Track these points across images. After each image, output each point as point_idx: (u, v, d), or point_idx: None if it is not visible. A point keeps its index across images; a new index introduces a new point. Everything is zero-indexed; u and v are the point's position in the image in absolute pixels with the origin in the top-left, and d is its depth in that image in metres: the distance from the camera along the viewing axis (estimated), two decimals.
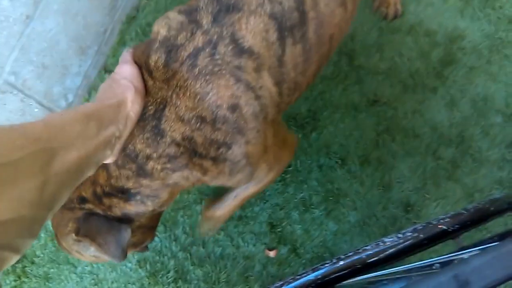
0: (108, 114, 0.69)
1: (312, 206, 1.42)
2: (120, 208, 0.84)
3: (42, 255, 1.47)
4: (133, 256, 1.44)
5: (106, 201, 0.83)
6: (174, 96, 0.78)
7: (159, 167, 0.80)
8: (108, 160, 0.75)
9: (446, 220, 0.75)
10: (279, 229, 1.42)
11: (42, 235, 1.47)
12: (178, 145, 0.79)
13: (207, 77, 0.77)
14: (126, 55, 0.83)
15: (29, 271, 1.47)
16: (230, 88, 0.78)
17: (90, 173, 0.65)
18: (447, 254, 0.79)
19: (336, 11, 0.88)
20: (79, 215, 0.83)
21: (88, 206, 0.84)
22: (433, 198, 1.41)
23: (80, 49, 1.43)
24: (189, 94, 0.77)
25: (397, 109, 1.47)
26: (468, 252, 0.76)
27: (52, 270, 1.46)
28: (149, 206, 0.85)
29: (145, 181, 0.82)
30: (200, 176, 0.84)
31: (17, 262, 1.46)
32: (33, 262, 1.47)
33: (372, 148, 1.44)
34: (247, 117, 0.80)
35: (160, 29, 0.82)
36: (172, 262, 1.42)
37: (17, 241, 0.49)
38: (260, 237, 1.42)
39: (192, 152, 0.80)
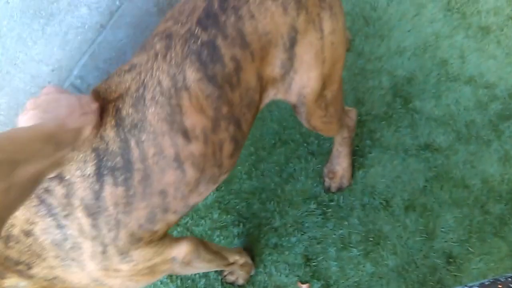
0: (67, 137, 0.74)
1: (351, 245, 1.40)
2: None
3: None
4: None
5: None
6: None
7: None
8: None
9: None
10: (314, 263, 1.40)
11: None
12: None
13: None
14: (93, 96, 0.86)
15: None
16: (29, 210, 0.78)
17: (37, 188, 0.73)
18: None
19: (168, 172, 0.85)
20: None
21: None
22: (477, 252, 1.36)
23: None
24: None
25: (448, 157, 1.44)
26: None
27: None
28: None
29: None
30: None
31: None
32: None
33: (418, 194, 1.42)
34: (44, 245, 0.80)
35: None
36: (203, 281, 1.42)
37: None
38: (293, 269, 1.41)
39: None
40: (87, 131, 0.78)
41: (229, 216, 1.49)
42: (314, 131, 1.17)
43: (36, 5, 1.15)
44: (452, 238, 1.37)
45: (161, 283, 1.43)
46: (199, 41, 0.83)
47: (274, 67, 0.92)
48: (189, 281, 1.43)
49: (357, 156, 1.48)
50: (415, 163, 1.45)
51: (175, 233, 1.49)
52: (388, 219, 1.41)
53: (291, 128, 1.55)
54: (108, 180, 0.81)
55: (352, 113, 1.32)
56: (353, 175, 1.46)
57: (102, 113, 0.83)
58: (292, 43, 0.90)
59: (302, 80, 0.95)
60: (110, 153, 0.81)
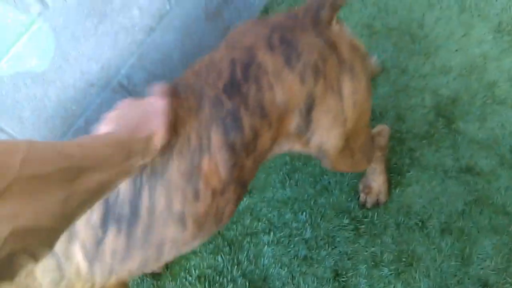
0: (137, 146, 0.72)
1: (382, 264, 1.37)
2: None
3: None
4: (194, 270, 1.46)
5: None
6: None
7: None
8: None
9: None
10: (343, 279, 1.38)
11: None
12: None
13: None
14: (161, 87, 0.84)
15: None
16: None
17: (106, 195, 0.68)
18: None
19: (170, 226, 0.85)
20: None
21: None
22: None
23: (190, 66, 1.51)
24: None
25: (490, 182, 1.40)
26: None
27: None
28: None
29: None
30: None
31: None
32: None
33: (456, 217, 1.38)
34: (43, 284, 0.79)
35: None
36: (230, 286, 1.42)
37: (36, 249, 0.52)
38: (322, 282, 1.39)
39: None
40: (158, 138, 0.77)
41: (260, 223, 1.49)
42: None
43: (91, 5, 1.19)
44: (489, 266, 1.33)
45: (189, 284, 1.44)
46: (224, 108, 0.85)
47: (290, 127, 0.92)
48: (216, 284, 1.43)
49: (394, 174, 1.46)
50: (455, 186, 1.41)
51: None
52: (423, 240, 1.37)
53: None
54: (112, 228, 0.82)
55: (385, 132, 1.30)
56: (389, 192, 1.43)
57: (174, 116, 0.83)
58: (309, 109, 0.90)
59: (322, 138, 0.95)
60: (119, 203, 0.81)
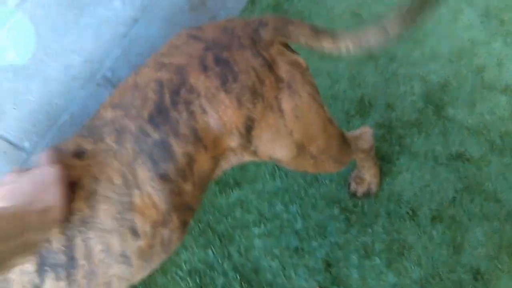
0: (33, 219, 0.69)
1: (374, 253, 1.36)
2: None
3: None
4: (185, 265, 1.45)
5: None
6: None
7: None
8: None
9: None
10: (334, 269, 1.37)
11: None
12: None
13: None
14: (45, 155, 0.80)
15: None
16: None
17: (2, 274, 0.65)
18: None
19: (114, 266, 0.82)
20: None
21: None
22: (506, 270, 1.30)
23: None
24: None
25: (480, 168, 1.39)
26: None
27: None
28: None
29: None
30: None
31: None
32: None
33: (447, 205, 1.37)
34: None
35: None
36: (221, 279, 1.41)
37: None
38: (313, 273, 1.38)
39: None
40: (55, 209, 0.74)
41: (250, 215, 1.48)
42: None
43: None
44: (480, 253, 1.32)
45: (180, 278, 1.43)
46: (150, 140, 0.80)
47: (232, 146, 0.88)
48: (207, 278, 1.42)
49: (384, 162, 1.45)
50: (445, 173, 1.40)
51: (197, 230, 1.49)
52: (414, 229, 1.36)
53: None
54: (50, 275, 0.78)
55: (366, 135, 1.25)
56: (380, 183, 1.42)
57: (70, 182, 0.79)
58: (249, 130, 0.86)
59: (268, 149, 0.91)
60: (53, 252, 0.78)
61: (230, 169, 1.52)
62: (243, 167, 1.54)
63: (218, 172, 0.96)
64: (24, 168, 0.81)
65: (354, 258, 1.37)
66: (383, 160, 1.45)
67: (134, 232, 0.81)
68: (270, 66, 0.85)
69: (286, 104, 0.87)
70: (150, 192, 0.81)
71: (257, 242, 1.44)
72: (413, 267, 1.33)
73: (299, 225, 1.44)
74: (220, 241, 1.45)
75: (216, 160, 0.89)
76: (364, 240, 1.38)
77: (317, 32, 0.88)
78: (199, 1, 1.55)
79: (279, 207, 1.47)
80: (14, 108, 1.15)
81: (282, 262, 1.40)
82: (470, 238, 1.33)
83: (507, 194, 1.36)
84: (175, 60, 0.83)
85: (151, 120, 0.80)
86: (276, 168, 1.52)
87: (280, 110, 0.87)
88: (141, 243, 0.83)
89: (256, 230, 1.46)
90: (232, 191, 1.52)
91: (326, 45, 0.89)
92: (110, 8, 1.26)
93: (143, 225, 0.82)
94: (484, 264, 1.31)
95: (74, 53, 1.24)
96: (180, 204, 0.85)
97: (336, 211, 1.43)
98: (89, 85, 1.31)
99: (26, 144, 1.21)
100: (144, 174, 0.80)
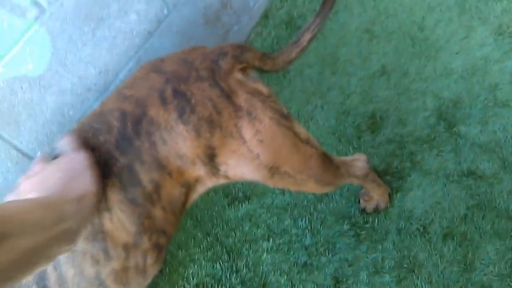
0: (69, 208, 0.67)
1: (384, 270, 1.34)
2: None
3: None
4: (192, 278, 1.44)
5: None
6: None
7: None
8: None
9: None
10: (344, 286, 1.36)
11: None
12: None
13: None
14: (68, 141, 0.79)
15: None
16: None
17: (41, 267, 0.61)
18: None
19: None
20: None
21: None
22: None
23: None
24: None
25: (492, 186, 1.38)
26: None
27: None
28: None
29: None
30: None
31: None
32: None
33: (458, 222, 1.35)
34: None
35: None
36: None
37: None
38: None
39: None
40: (91, 196, 0.73)
41: (259, 230, 1.48)
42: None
43: (88, 9, 1.19)
44: (492, 272, 1.30)
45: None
46: (118, 164, 0.82)
47: (199, 174, 0.90)
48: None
49: (395, 178, 1.44)
50: (457, 190, 1.39)
51: (205, 243, 1.49)
52: (424, 246, 1.35)
53: (328, 145, 1.53)
54: None
55: (360, 162, 1.25)
56: (390, 198, 1.41)
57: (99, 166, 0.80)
58: (212, 158, 0.88)
59: (238, 173, 0.93)
60: (24, 285, 0.77)
61: (237, 183, 1.52)
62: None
63: (195, 196, 0.96)
64: (47, 155, 0.81)
65: (363, 274, 1.35)
66: (394, 177, 1.44)
67: (107, 255, 0.82)
68: (228, 95, 0.87)
69: (247, 130, 0.89)
70: (119, 214, 0.82)
71: (266, 257, 1.44)
72: (423, 285, 1.31)
73: (308, 240, 1.43)
74: (228, 255, 1.45)
75: (187, 186, 0.91)
76: (374, 256, 1.37)
77: (264, 56, 0.98)
78: (214, 16, 1.57)
79: (288, 222, 1.47)
80: (29, 119, 1.17)
81: (291, 278, 1.39)
82: (482, 256, 1.31)
83: None
84: (137, 93, 0.86)
85: (118, 146, 0.83)
86: None
87: (242, 137, 0.89)
88: (114, 265, 0.83)
89: (264, 245, 1.45)
90: (241, 204, 1.52)
91: (268, 67, 1.00)
92: (126, 21, 1.29)
93: (115, 247, 0.83)
94: (496, 283, 1.29)
95: (89, 65, 1.25)
96: (150, 227, 0.86)
97: (346, 227, 1.42)
98: (103, 97, 1.32)
99: (39, 155, 1.22)
100: (114, 196, 0.82)
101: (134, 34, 1.32)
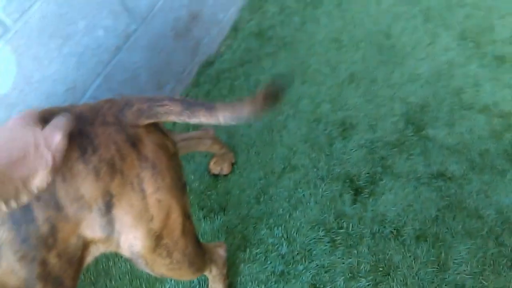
0: (9, 186, 0.63)
1: (360, 274, 1.35)
2: None
3: None
4: None
5: None
6: None
7: None
8: None
9: None
10: None
11: None
12: None
13: None
14: (62, 123, 0.75)
15: None
16: None
17: None
18: None
19: None
20: None
21: None
22: (491, 286, 1.30)
23: (158, 84, 1.51)
24: None
25: (462, 186, 1.41)
26: None
27: None
28: None
29: None
30: None
31: None
32: None
33: (430, 223, 1.38)
34: None
35: None
36: None
37: None
38: None
39: None
40: (37, 179, 0.67)
41: (235, 240, 1.47)
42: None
43: (54, 26, 1.19)
44: (465, 270, 1.32)
45: None
46: None
47: (94, 231, 0.86)
48: None
49: (367, 182, 1.46)
50: (427, 192, 1.41)
51: None
52: (398, 249, 1.36)
53: (301, 153, 1.55)
54: None
55: (221, 250, 1.26)
56: (360, 206, 1.43)
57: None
58: (109, 207, 0.85)
59: (128, 240, 0.89)
60: None
61: (213, 194, 1.52)
62: (227, 192, 1.55)
63: (89, 259, 0.92)
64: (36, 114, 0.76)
65: (340, 280, 1.36)
66: (366, 182, 1.46)
67: None
68: (134, 143, 0.85)
69: (148, 184, 0.86)
70: (9, 255, 0.78)
71: (243, 268, 1.43)
72: (399, 287, 1.32)
73: (284, 249, 1.43)
74: None
75: (83, 241, 0.86)
76: (349, 261, 1.38)
77: (191, 107, 0.89)
78: (184, 29, 1.58)
79: (264, 231, 1.47)
80: None
81: None
82: (454, 256, 1.33)
83: (488, 210, 1.37)
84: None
85: None
86: (261, 192, 1.52)
87: (142, 190, 0.86)
88: None
89: (241, 255, 1.45)
90: (216, 216, 1.52)
91: (203, 119, 0.89)
92: (93, 37, 1.29)
93: None
94: (469, 282, 1.31)
95: (56, 82, 1.25)
96: (45, 275, 0.82)
97: (321, 233, 1.43)
98: None
99: None
100: (4, 235, 0.78)
101: (102, 50, 1.33)
